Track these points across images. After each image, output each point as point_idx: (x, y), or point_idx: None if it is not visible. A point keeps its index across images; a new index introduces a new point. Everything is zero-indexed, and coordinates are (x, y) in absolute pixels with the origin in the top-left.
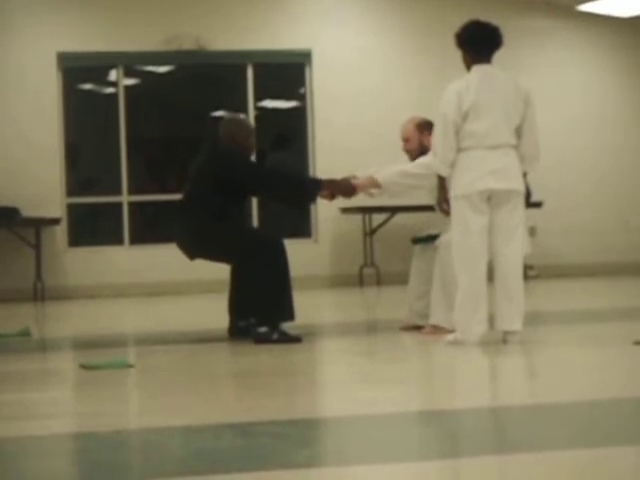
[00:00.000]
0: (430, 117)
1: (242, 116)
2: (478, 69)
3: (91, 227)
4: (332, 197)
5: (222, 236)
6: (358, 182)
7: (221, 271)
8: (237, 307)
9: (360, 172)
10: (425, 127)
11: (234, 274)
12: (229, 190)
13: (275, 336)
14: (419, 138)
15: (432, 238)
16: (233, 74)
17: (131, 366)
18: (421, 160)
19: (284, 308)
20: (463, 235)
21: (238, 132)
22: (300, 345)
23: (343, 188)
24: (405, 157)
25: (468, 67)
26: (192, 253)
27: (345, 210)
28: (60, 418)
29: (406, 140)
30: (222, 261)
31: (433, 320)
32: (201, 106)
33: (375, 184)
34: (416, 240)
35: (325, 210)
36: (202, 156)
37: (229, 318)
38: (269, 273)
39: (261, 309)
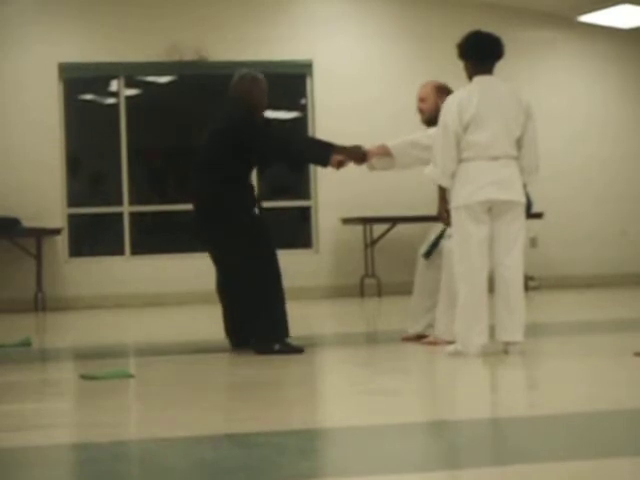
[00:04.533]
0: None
1: (256, 72)
2: (479, 80)
3: (92, 237)
4: (341, 164)
5: (237, 232)
6: (369, 149)
7: None
8: (236, 335)
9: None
10: (443, 91)
11: (222, 291)
12: (246, 156)
13: (277, 347)
14: (435, 100)
15: (437, 242)
16: None
17: (131, 377)
18: (432, 132)
19: (280, 326)
20: (464, 246)
21: (254, 89)
22: (301, 356)
23: (354, 154)
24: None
25: (470, 78)
26: (204, 228)
27: (346, 221)
28: (60, 428)
29: (422, 100)
30: (221, 252)
31: (437, 331)
32: (202, 117)
33: (386, 151)
34: (427, 254)
35: (326, 220)
36: (218, 121)
37: (228, 339)
38: (262, 293)
39: (259, 331)
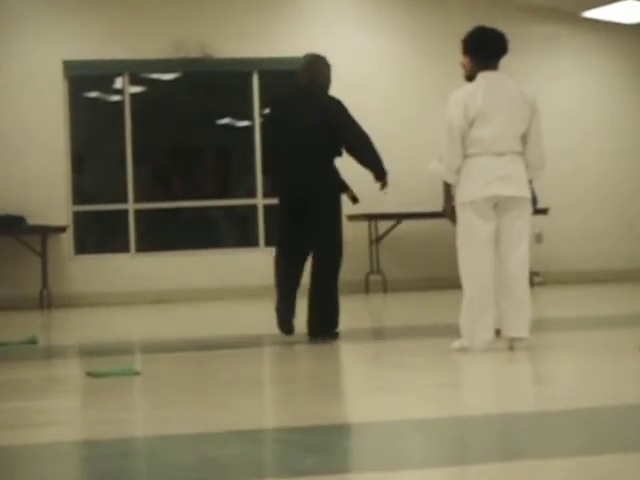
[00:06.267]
0: (440, 126)
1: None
2: (484, 76)
3: (97, 235)
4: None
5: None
6: None
7: (225, 279)
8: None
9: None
10: None
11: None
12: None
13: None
14: None
15: None
16: (239, 82)
17: (137, 374)
18: None
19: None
20: (469, 242)
21: (329, 68)
22: (305, 352)
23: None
24: None
25: (474, 74)
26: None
27: (351, 217)
28: (66, 426)
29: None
30: (318, 229)
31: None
32: (206, 114)
33: None
34: None
35: None
36: (310, 106)
37: None
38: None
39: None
